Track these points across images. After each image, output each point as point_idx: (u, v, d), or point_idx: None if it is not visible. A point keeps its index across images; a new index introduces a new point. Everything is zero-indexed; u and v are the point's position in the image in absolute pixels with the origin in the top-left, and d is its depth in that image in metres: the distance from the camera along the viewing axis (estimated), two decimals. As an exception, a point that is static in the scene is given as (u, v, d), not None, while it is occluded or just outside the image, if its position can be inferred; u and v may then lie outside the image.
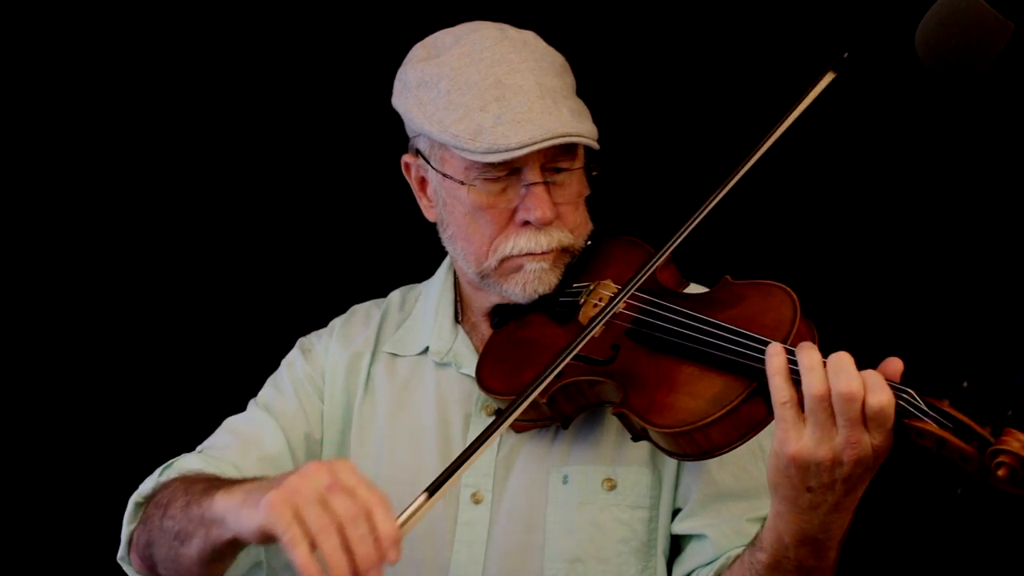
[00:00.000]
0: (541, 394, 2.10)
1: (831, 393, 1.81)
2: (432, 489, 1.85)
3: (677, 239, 2.04)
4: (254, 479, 1.97)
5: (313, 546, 1.74)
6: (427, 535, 2.22)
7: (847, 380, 1.80)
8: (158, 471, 2.21)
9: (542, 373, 1.99)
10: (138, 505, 2.18)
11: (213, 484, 1.99)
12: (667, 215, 2.79)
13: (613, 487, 2.19)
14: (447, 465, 2.19)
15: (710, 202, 2.02)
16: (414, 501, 1.83)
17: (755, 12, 2.90)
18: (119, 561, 2.21)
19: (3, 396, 3.07)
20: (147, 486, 2.19)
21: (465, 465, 1.89)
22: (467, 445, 1.95)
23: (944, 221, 2.83)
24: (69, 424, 3.08)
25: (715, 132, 2.92)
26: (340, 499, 1.76)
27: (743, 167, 2.02)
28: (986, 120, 2.74)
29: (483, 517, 2.21)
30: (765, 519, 2.09)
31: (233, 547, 1.95)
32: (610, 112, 2.29)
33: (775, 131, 2.02)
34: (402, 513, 1.81)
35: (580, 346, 2.03)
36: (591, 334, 2.05)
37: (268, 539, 1.82)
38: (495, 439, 1.96)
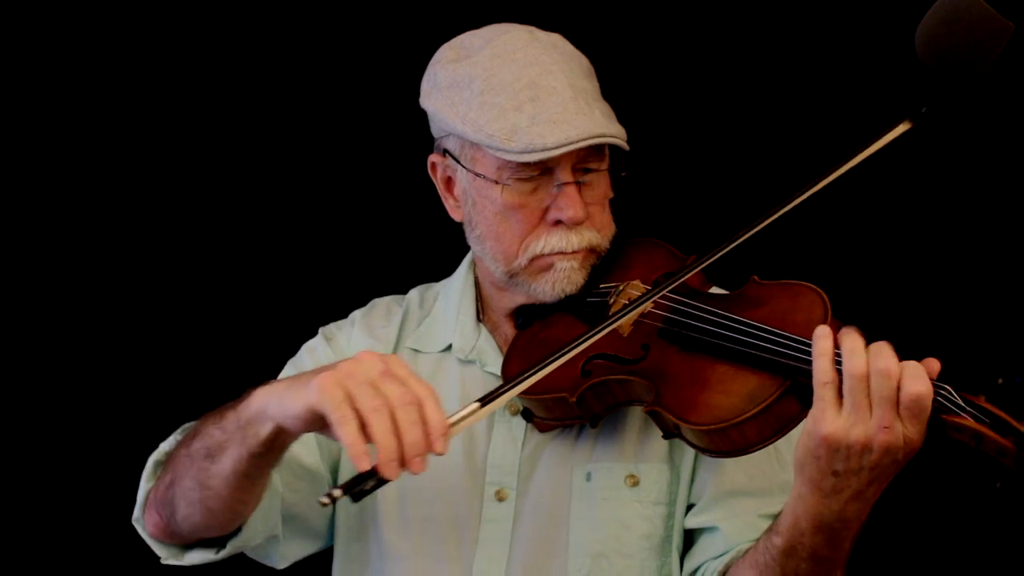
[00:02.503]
0: (569, 392, 2.14)
1: (870, 374, 1.85)
2: (484, 400, 1.90)
3: (719, 253, 2.06)
4: (294, 375, 1.99)
5: (363, 427, 1.77)
6: (451, 532, 2.24)
7: (886, 359, 1.85)
8: (177, 432, 2.19)
9: (582, 335, 2.02)
10: (158, 463, 2.17)
11: (245, 395, 1.99)
12: (685, 217, 2.85)
13: (636, 483, 2.22)
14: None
15: (755, 226, 2.04)
16: (467, 407, 1.88)
17: (777, 15, 2.94)
18: (133, 523, 2.19)
19: (26, 389, 3.07)
20: (167, 444, 2.18)
21: (523, 383, 1.94)
22: (531, 368, 1.98)
23: (952, 218, 2.88)
24: (90, 415, 3.08)
25: (731, 135, 2.96)
26: (392, 385, 1.80)
27: (792, 202, 2.04)
28: (986, 120, 2.79)
29: (507, 514, 2.23)
30: (776, 515, 2.14)
31: (268, 453, 1.95)
32: (628, 114, 2.32)
33: (835, 172, 2.03)
34: (453, 415, 1.85)
35: (608, 328, 2.05)
36: (617, 324, 2.08)
37: (313, 422, 1.84)
38: (550, 367, 1.99)
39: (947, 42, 2.02)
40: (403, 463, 1.79)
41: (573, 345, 2.00)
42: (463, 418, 1.87)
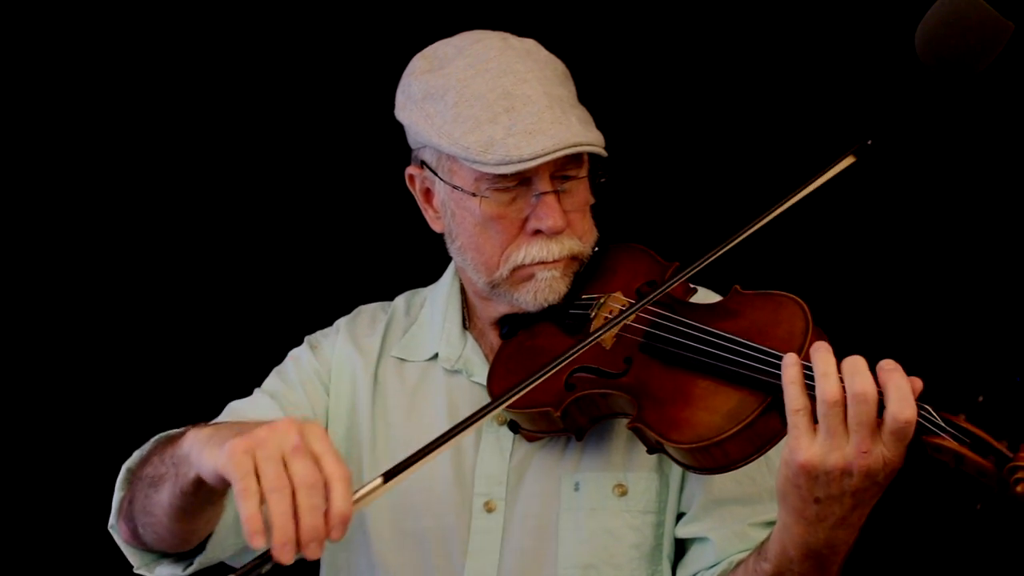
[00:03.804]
0: (553, 406, 2.13)
1: (845, 398, 1.82)
2: (388, 475, 1.81)
3: (692, 271, 2.04)
4: (230, 423, 1.95)
5: (263, 503, 1.69)
6: (440, 544, 2.24)
7: (862, 382, 1.82)
8: (153, 439, 2.16)
9: (538, 371, 1.95)
10: (129, 471, 2.16)
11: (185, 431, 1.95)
12: (666, 221, 2.82)
13: (624, 493, 2.21)
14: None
15: (724, 246, 2.02)
16: (370, 482, 1.79)
17: (754, 18, 2.90)
18: (110, 530, 2.19)
19: (15, 383, 3.08)
20: (138, 452, 2.16)
21: (428, 457, 1.84)
22: (442, 433, 1.88)
23: (945, 223, 2.85)
24: (72, 416, 3.09)
25: (711, 137, 2.93)
26: (302, 463, 1.70)
27: (752, 228, 2.02)
28: (986, 120, 2.75)
29: (496, 526, 2.23)
30: (767, 523, 2.14)
31: (199, 493, 1.91)
32: (607, 118, 2.30)
33: (786, 202, 2.02)
34: (358, 491, 1.77)
35: (582, 349, 1.99)
36: (598, 340, 2.04)
37: (224, 483, 1.78)
38: (462, 436, 1.88)
39: (947, 42, 1.99)
40: (299, 548, 1.69)
41: (528, 382, 1.93)
42: (366, 494, 1.77)
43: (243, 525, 1.69)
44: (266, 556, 1.71)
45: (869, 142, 2.01)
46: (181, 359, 3.08)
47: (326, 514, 1.69)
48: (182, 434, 1.92)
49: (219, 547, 2.13)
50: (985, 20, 1.98)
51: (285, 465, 1.70)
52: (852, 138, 2.63)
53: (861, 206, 2.83)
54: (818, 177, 2.01)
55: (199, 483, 1.87)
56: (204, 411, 2.36)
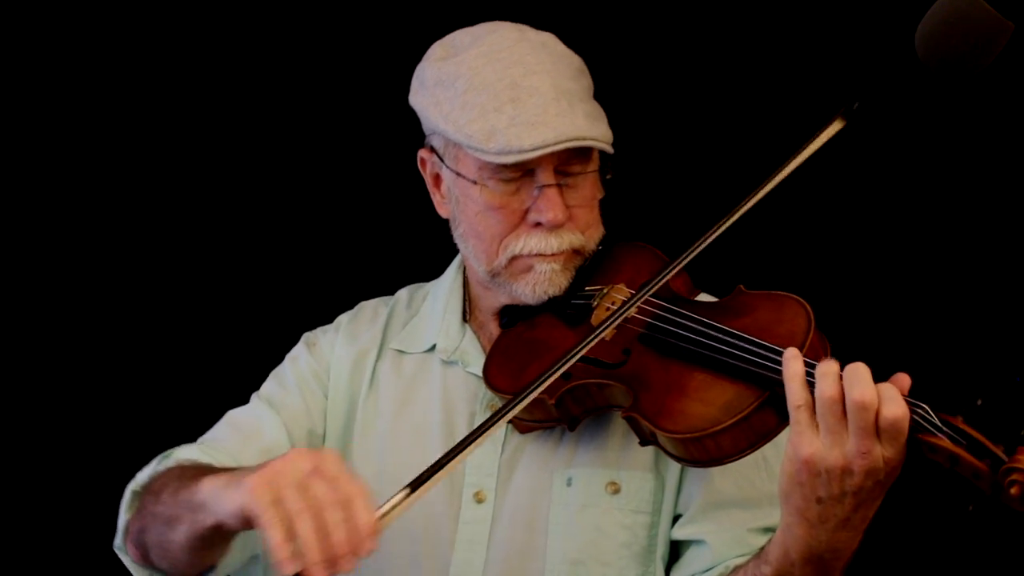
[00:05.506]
0: (548, 394, 2.11)
1: (844, 399, 1.81)
2: (414, 485, 1.83)
3: (693, 252, 2.04)
4: (241, 467, 1.96)
5: (290, 530, 1.73)
6: (428, 533, 2.22)
7: (862, 389, 1.81)
8: (155, 460, 2.20)
9: (547, 371, 1.98)
10: (135, 494, 2.17)
11: (204, 471, 1.99)
12: (679, 221, 2.81)
13: (617, 491, 2.20)
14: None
15: (725, 221, 2.03)
16: (395, 495, 1.81)
17: (769, 19, 2.91)
18: (116, 549, 2.20)
19: (4, 391, 3.07)
20: (144, 475, 2.18)
21: (451, 464, 1.86)
22: (458, 441, 1.92)
23: (947, 224, 2.85)
24: (71, 417, 3.08)
25: (728, 138, 2.93)
26: (320, 485, 1.75)
27: (753, 198, 2.04)
28: (986, 120, 2.75)
29: (485, 516, 2.22)
30: (766, 529, 2.13)
31: (218, 534, 1.94)
32: (627, 116, 2.30)
33: (780, 172, 2.04)
34: (382, 506, 1.79)
35: (587, 348, 2.02)
36: (601, 336, 2.04)
37: (247, 522, 1.81)
38: (487, 438, 1.93)
39: (947, 42, 2.00)
40: (330, 565, 1.73)
41: (544, 377, 1.97)
42: (393, 507, 1.80)
43: (272, 553, 1.73)
44: None
45: (856, 105, 2.02)
46: (182, 355, 3.08)
47: (352, 529, 1.73)
48: (193, 477, 1.96)
49: (228, 564, 2.15)
50: (985, 20, 1.99)
51: (304, 489, 1.74)
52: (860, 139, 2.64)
53: (863, 208, 2.83)
54: (808, 145, 2.02)
55: (216, 528, 1.91)
56: (205, 406, 2.36)
